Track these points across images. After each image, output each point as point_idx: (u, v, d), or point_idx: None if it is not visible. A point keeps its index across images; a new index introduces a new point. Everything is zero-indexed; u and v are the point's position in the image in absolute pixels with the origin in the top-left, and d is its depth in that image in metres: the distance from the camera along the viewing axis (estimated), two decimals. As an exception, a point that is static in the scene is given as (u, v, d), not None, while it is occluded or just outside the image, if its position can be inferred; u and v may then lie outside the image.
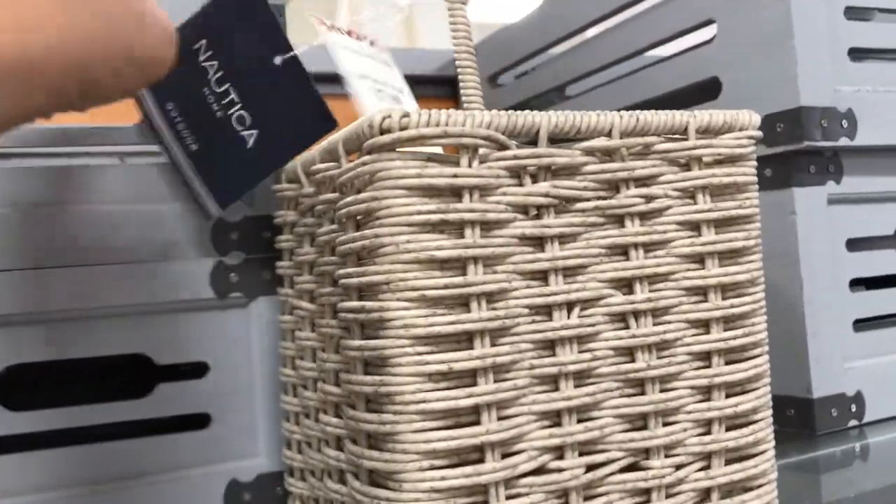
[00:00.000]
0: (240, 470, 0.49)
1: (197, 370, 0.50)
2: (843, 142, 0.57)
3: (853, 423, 0.58)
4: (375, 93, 0.44)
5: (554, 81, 0.80)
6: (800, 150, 0.55)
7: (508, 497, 0.33)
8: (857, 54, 0.59)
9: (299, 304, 0.42)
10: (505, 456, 0.33)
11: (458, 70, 0.41)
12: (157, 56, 0.33)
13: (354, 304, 0.34)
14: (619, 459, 0.35)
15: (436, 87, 0.96)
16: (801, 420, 0.57)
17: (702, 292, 0.37)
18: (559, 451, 0.34)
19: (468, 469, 0.32)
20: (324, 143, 0.38)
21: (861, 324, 0.60)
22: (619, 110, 0.70)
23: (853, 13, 0.59)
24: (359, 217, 0.35)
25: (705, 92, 0.61)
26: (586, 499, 0.34)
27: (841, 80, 0.57)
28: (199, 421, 0.49)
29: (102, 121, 0.48)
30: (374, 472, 0.34)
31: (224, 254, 0.49)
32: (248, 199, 0.50)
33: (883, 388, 0.59)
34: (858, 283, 0.61)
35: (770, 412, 0.39)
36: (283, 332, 0.46)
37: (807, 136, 0.55)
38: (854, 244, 0.60)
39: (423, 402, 0.32)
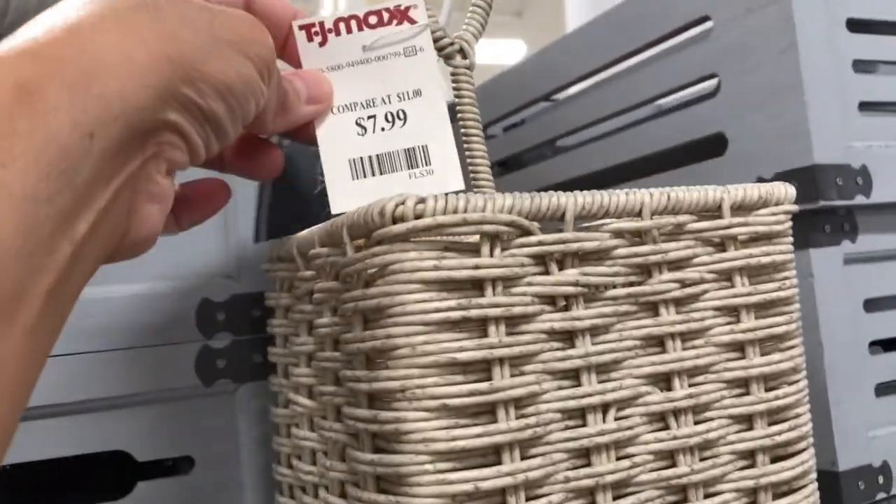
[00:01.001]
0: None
1: (181, 466, 0.46)
2: (859, 199, 0.54)
3: (881, 495, 0.55)
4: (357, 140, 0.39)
5: (546, 134, 0.78)
6: (815, 209, 0.53)
7: None
8: (866, 108, 0.56)
9: (296, 398, 0.38)
10: (540, 584, 0.29)
11: (465, 141, 0.38)
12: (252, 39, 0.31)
13: (365, 412, 0.31)
14: (663, 576, 0.32)
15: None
16: (828, 496, 0.54)
17: (744, 384, 0.34)
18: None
19: None
20: (325, 224, 0.35)
21: (882, 388, 0.57)
22: (618, 164, 0.67)
23: (860, 66, 0.57)
24: (368, 313, 0.31)
25: (709, 147, 0.59)
26: None
27: (853, 135, 0.55)
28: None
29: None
30: None
31: (210, 336, 0.45)
32: (236, 274, 0.46)
33: (907, 456, 0.56)
34: (875, 345, 0.58)
35: (815, 489, 0.36)
36: (276, 426, 0.42)
37: (822, 196, 0.52)
38: (871, 304, 0.57)
39: (443, 485, 0.28)
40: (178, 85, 0.28)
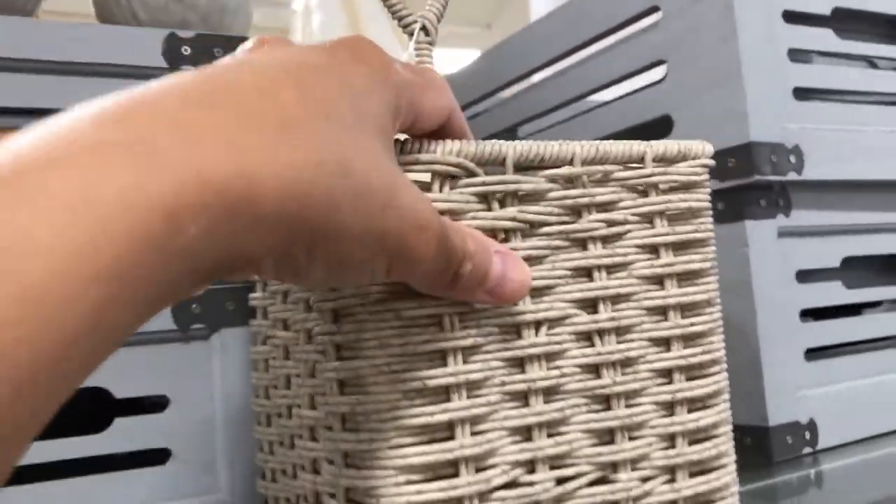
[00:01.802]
0: (204, 504, 0.49)
1: (157, 404, 0.50)
2: (792, 176, 0.60)
3: (807, 450, 0.60)
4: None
5: (506, 123, 0.83)
6: (750, 184, 0.58)
7: (484, 509, 0.34)
8: (800, 94, 0.62)
9: (274, 332, 0.43)
10: (479, 470, 0.34)
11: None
12: (408, 245, 0.28)
13: (329, 327, 0.36)
14: (587, 473, 0.37)
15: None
16: (758, 448, 0.59)
17: (662, 312, 0.39)
18: (530, 466, 0.35)
19: (444, 483, 0.33)
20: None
21: (812, 353, 0.62)
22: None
23: (796, 55, 0.63)
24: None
25: (657, 129, 0.64)
26: (558, 512, 0.36)
27: (788, 118, 0.61)
28: (158, 456, 0.49)
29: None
30: (350, 489, 0.35)
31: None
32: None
33: (834, 416, 0.62)
34: (807, 315, 0.64)
35: (730, 427, 0.41)
36: (254, 362, 0.47)
37: (757, 171, 0.58)
38: (803, 276, 0.62)
39: (399, 419, 0.33)
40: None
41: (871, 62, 0.70)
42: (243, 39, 0.55)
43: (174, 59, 0.53)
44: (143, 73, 0.51)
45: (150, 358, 0.49)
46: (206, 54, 0.54)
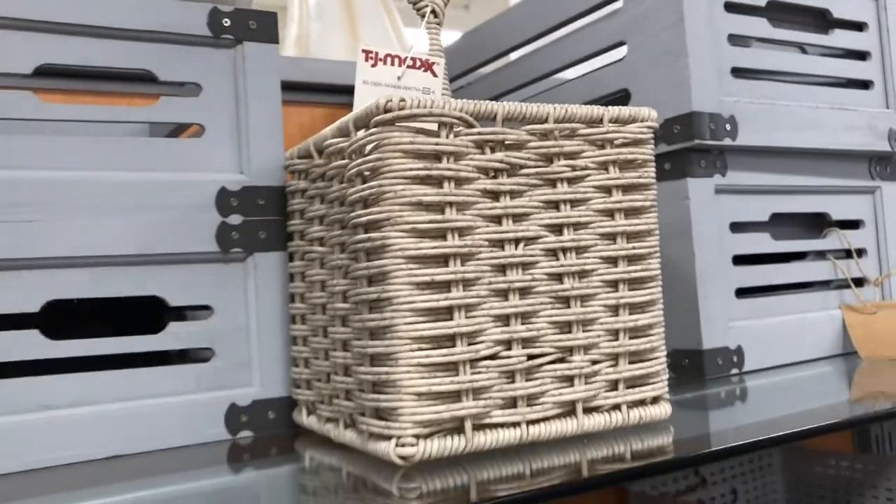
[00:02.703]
0: (238, 396, 0.60)
1: (202, 312, 0.61)
2: (727, 142, 0.72)
3: (734, 371, 0.73)
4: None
5: (486, 95, 0.95)
6: (692, 147, 0.71)
7: (472, 372, 0.46)
8: (737, 73, 0.74)
9: (311, 249, 0.55)
10: (470, 344, 0.46)
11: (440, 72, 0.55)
12: None
13: (361, 236, 0.47)
14: (551, 353, 0.49)
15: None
16: (694, 368, 0.72)
17: (612, 237, 0.51)
18: (508, 344, 0.48)
19: (444, 351, 0.45)
20: (335, 123, 0.51)
21: (742, 293, 0.75)
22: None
23: (735, 40, 0.75)
24: (366, 173, 0.48)
25: (618, 101, 0.76)
26: (527, 380, 0.48)
27: (726, 92, 0.73)
28: (203, 355, 0.61)
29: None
30: (374, 357, 0.47)
31: (226, 216, 0.61)
32: (248, 171, 0.61)
33: (759, 345, 0.74)
34: (739, 261, 0.76)
35: (662, 330, 0.53)
36: (291, 275, 0.58)
37: (698, 136, 0.70)
38: (736, 227, 0.75)
39: (413, 303, 0.45)
40: None
41: (801, 48, 0.83)
42: (273, 14, 0.66)
43: (216, 30, 0.63)
44: (190, 41, 0.61)
45: (197, 274, 0.60)
46: (242, 26, 0.64)
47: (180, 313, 0.63)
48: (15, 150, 0.55)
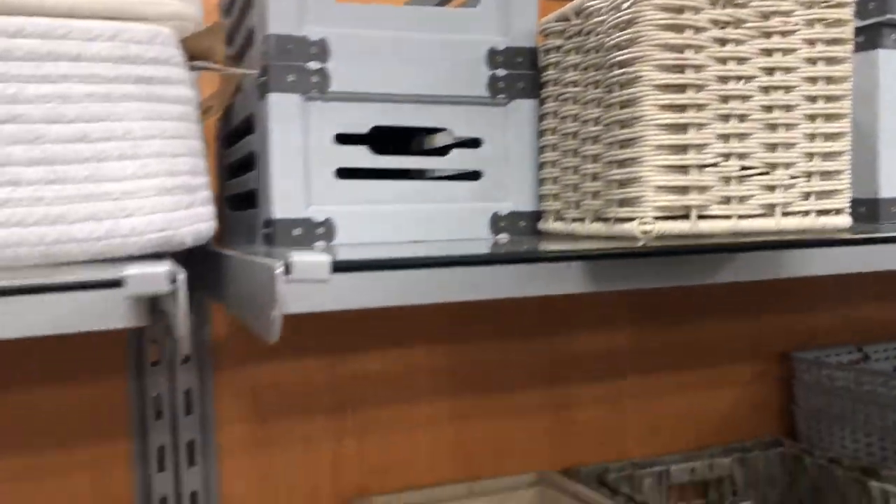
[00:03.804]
0: (498, 207, 0.78)
1: (475, 142, 0.80)
2: (917, 19, 0.82)
3: (906, 216, 0.85)
4: None
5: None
6: (883, 21, 0.81)
7: (699, 174, 0.62)
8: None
9: (565, 90, 0.71)
10: (698, 153, 0.62)
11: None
12: None
13: (618, 71, 0.63)
14: (759, 168, 0.63)
15: None
16: (870, 215, 0.84)
17: (813, 80, 0.64)
18: (727, 157, 0.63)
19: (679, 156, 0.61)
20: (594, -11, 0.67)
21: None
22: None
23: None
24: (622, 24, 0.63)
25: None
26: (740, 185, 0.63)
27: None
28: (474, 175, 0.79)
29: None
30: (623, 161, 0.63)
31: (494, 69, 0.78)
32: (510, 35, 0.78)
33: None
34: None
35: (849, 157, 0.66)
36: (542, 116, 0.75)
37: (890, 10, 0.80)
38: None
39: (657, 120, 0.61)
40: None
41: None
42: None
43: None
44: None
45: (472, 113, 0.78)
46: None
47: (460, 142, 0.81)
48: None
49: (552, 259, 0.61)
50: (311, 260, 0.45)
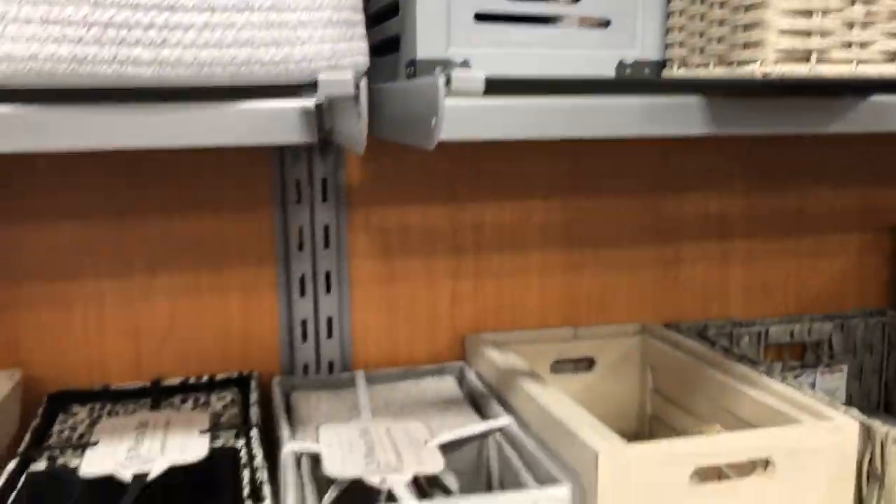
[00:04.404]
0: (624, 56, 0.83)
1: None
2: None
3: None
4: None
5: None
6: None
7: (822, 19, 0.65)
8: None
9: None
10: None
11: None
12: None
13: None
14: (884, 13, 0.66)
15: None
16: None
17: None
18: (854, 2, 0.66)
19: (803, 1, 0.65)
20: None
21: None
22: None
23: None
24: None
25: None
26: (863, 30, 0.66)
27: None
28: (605, 24, 0.84)
29: None
30: (749, 6, 0.67)
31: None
32: None
33: None
34: None
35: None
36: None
37: None
38: None
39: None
40: None
41: None
42: None
43: None
44: None
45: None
46: None
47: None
48: None
49: (674, 88, 0.66)
50: (468, 75, 0.52)
